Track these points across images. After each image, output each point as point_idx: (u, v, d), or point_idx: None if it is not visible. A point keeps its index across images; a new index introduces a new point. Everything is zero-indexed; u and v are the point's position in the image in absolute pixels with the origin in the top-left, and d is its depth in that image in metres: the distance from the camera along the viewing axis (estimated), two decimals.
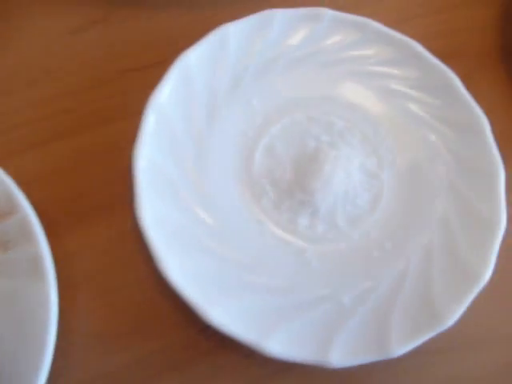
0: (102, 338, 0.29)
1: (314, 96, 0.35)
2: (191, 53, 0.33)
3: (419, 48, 0.35)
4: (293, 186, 0.32)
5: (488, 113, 0.38)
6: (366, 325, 0.29)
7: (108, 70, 0.36)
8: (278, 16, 0.34)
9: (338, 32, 0.35)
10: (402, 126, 0.35)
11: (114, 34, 0.36)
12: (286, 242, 0.31)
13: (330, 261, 0.31)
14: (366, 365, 0.28)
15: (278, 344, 0.27)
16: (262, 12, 0.35)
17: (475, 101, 0.36)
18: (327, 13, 0.35)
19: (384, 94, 0.35)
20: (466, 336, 0.32)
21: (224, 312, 0.28)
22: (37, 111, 0.34)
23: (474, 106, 0.34)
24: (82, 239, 0.31)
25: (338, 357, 0.27)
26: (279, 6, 0.35)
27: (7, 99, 0.34)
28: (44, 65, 0.35)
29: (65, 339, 0.28)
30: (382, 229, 0.32)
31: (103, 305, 0.30)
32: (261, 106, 0.34)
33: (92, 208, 0.32)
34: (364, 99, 0.35)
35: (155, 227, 0.29)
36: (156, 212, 0.29)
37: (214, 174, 0.32)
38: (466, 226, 0.32)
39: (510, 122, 0.38)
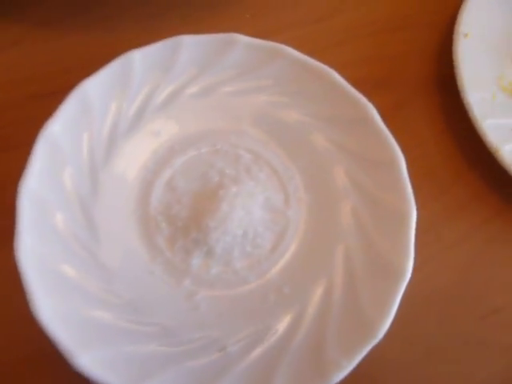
0: None
1: (222, 127, 0.33)
2: (91, 81, 0.31)
3: (335, 77, 0.32)
4: (188, 223, 0.31)
5: (419, 145, 0.36)
6: (251, 375, 0.28)
7: (15, 95, 0.35)
8: (187, 42, 0.33)
9: (251, 59, 0.33)
10: (311, 160, 0.33)
11: (24, 57, 0.36)
12: (176, 284, 0.30)
13: (222, 305, 0.30)
14: None
15: None
16: (170, 38, 0.33)
17: (402, 132, 0.34)
18: (240, 39, 0.33)
19: (294, 127, 0.33)
20: None
21: (95, 358, 0.27)
22: None
23: (391, 141, 0.32)
24: None
25: None
26: (191, 32, 0.34)
27: None
28: None
29: None
30: (281, 271, 0.31)
31: None
32: (165, 138, 0.33)
33: None
34: (274, 131, 0.34)
35: (34, 266, 0.28)
36: (36, 250, 0.28)
37: (108, 209, 0.31)
38: (371, 272, 0.30)
39: (441, 154, 0.36)
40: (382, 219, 0.31)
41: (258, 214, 0.31)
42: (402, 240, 0.30)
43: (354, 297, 0.30)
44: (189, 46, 0.33)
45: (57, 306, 0.27)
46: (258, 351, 0.28)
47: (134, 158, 0.32)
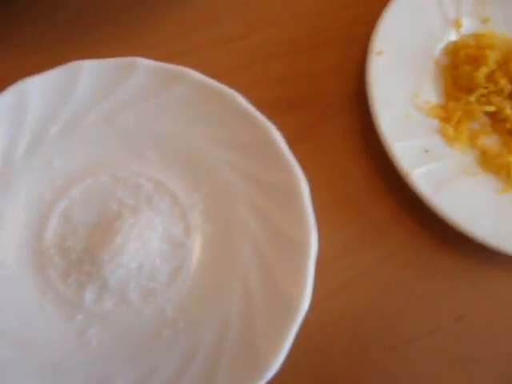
0: None
1: (123, 155, 0.32)
2: None
3: (238, 99, 0.31)
4: (83, 256, 0.30)
5: (335, 165, 0.35)
6: None
7: None
8: (86, 68, 0.32)
9: (154, 84, 0.32)
10: (214, 187, 0.32)
11: None
12: (68, 319, 0.29)
13: (114, 340, 0.29)
14: None
15: None
16: (68, 64, 0.32)
17: (319, 152, 0.34)
18: (141, 63, 0.32)
19: (198, 153, 0.32)
20: None
21: None
22: None
23: (293, 167, 0.30)
24: None
25: None
26: (91, 56, 0.33)
27: None
28: None
29: None
30: (178, 304, 0.30)
31: None
32: (63, 167, 0.32)
33: None
34: (178, 158, 0.33)
35: None
36: None
37: (2, 242, 0.30)
38: (268, 305, 0.29)
39: (358, 175, 0.35)
40: (282, 249, 0.30)
41: (155, 245, 0.30)
42: (300, 271, 0.29)
43: (249, 331, 0.29)
44: (88, 72, 0.32)
45: None
46: None
47: (29, 189, 0.31)
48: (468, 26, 0.38)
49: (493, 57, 0.36)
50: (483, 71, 0.35)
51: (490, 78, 0.36)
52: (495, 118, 0.36)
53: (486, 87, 0.36)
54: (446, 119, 0.35)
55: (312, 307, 0.29)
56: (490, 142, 0.36)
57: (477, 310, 0.33)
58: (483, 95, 0.36)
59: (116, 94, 0.32)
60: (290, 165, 0.31)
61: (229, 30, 0.38)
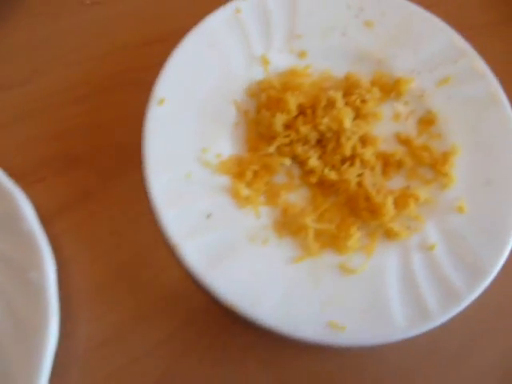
0: None
1: None
2: None
3: None
4: None
5: (109, 235, 0.31)
6: None
7: None
8: None
9: None
10: None
11: None
12: None
13: None
14: None
15: None
16: None
17: (109, 208, 0.30)
18: None
19: None
20: None
21: None
22: None
23: (39, 245, 0.26)
24: None
25: None
26: None
27: None
28: None
29: None
30: None
31: None
32: None
33: None
34: None
35: None
36: None
37: None
38: None
39: (134, 245, 0.30)
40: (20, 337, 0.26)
41: None
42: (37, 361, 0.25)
43: None
44: None
45: None
46: None
47: None
48: (280, 61, 0.33)
49: (293, 101, 0.31)
50: (280, 118, 0.30)
51: (292, 124, 0.32)
52: (303, 169, 0.32)
53: (287, 135, 0.31)
54: (238, 175, 0.30)
55: None
56: (296, 197, 0.31)
57: None
58: (286, 144, 0.32)
59: None
60: (37, 245, 0.27)
61: (9, 76, 0.33)
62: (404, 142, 0.33)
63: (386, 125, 0.34)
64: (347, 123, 0.31)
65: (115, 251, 0.30)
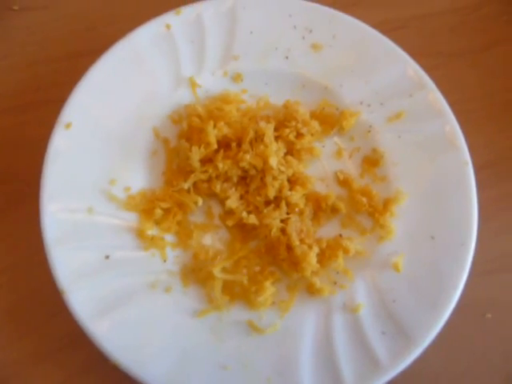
0: None
1: None
2: None
3: None
4: None
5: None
6: None
7: None
8: None
9: None
10: None
11: None
12: None
13: None
14: None
15: None
16: None
17: None
18: None
19: None
20: None
21: None
22: None
23: None
24: None
25: None
26: None
27: None
28: None
29: None
30: None
31: None
32: None
33: None
34: None
35: None
36: None
37: None
38: None
39: (26, 287, 0.28)
40: None
41: None
42: None
43: None
44: None
45: None
46: None
47: None
48: (212, 84, 0.30)
49: (215, 133, 0.27)
50: (198, 152, 0.27)
51: (213, 159, 0.28)
52: (224, 208, 0.28)
53: (205, 171, 0.28)
54: (146, 212, 0.27)
55: None
56: (214, 239, 0.28)
57: None
58: (204, 181, 0.28)
59: None
60: None
61: None
62: (343, 183, 0.30)
63: (327, 162, 0.30)
64: (273, 161, 0.27)
65: (4, 291, 0.28)
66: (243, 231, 0.28)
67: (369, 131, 0.30)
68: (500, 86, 0.34)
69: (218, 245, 0.28)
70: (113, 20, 0.33)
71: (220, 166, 0.27)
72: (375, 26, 0.34)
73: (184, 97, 0.30)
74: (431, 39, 0.35)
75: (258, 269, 0.28)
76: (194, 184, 0.28)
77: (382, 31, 0.33)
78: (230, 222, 0.28)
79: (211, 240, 0.28)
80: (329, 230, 0.29)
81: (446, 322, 0.27)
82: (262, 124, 0.28)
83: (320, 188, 0.30)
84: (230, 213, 0.28)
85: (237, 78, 0.30)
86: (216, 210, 0.29)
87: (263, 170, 0.27)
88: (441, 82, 0.31)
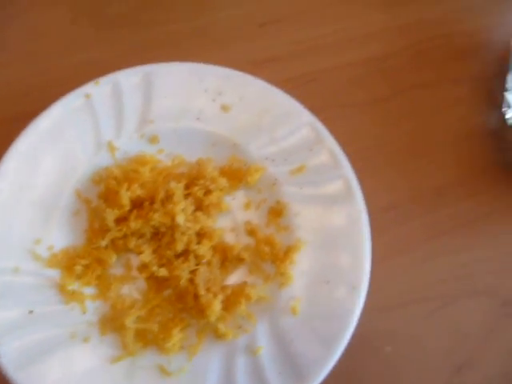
0: None
1: None
2: None
3: None
4: None
5: None
6: None
7: None
8: None
9: None
10: None
11: None
12: None
13: None
14: None
15: None
16: None
17: None
18: None
19: None
20: None
21: None
22: None
23: None
24: None
25: None
26: None
27: None
28: None
29: None
30: None
31: None
32: None
33: None
34: None
35: None
36: None
37: None
38: None
39: None
40: None
41: None
42: None
43: None
44: None
45: None
46: None
47: None
48: (129, 147, 0.33)
49: (127, 196, 0.30)
50: (112, 213, 0.30)
51: (127, 218, 0.31)
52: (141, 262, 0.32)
53: (120, 229, 0.31)
54: (68, 269, 0.30)
55: None
56: (132, 290, 0.31)
57: None
58: (119, 238, 0.31)
59: None
60: None
61: None
62: (251, 232, 0.33)
63: (238, 213, 0.33)
64: (180, 219, 0.30)
65: None
66: (157, 282, 0.31)
67: (274, 184, 0.33)
68: (394, 133, 0.37)
69: (135, 294, 0.31)
70: (47, 85, 0.36)
71: (133, 225, 0.30)
72: (290, 79, 0.37)
73: (104, 159, 0.33)
74: (335, 91, 0.38)
75: (170, 316, 0.31)
76: (112, 241, 0.31)
77: (294, 85, 0.37)
78: (144, 274, 0.31)
79: (129, 290, 0.31)
80: (237, 276, 0.32)
81: (345, 357, 0.30)
82: (172, 184, 0.31)
83: (230, 238, 0.33)
84: (144, 266, 0.31)
85: (153, 139, 0.33)
86: (135, 261, 0.32)
87: (172, 227, 0.31)
88: (340, 132, 0.34)
